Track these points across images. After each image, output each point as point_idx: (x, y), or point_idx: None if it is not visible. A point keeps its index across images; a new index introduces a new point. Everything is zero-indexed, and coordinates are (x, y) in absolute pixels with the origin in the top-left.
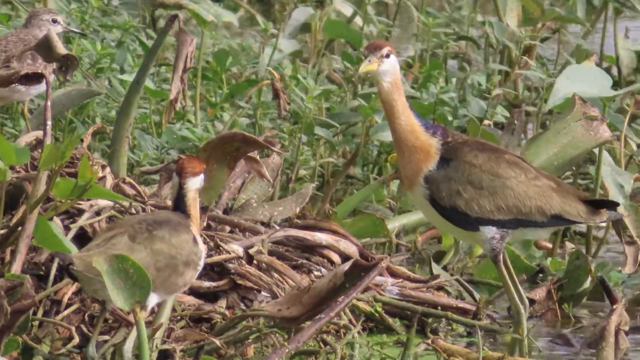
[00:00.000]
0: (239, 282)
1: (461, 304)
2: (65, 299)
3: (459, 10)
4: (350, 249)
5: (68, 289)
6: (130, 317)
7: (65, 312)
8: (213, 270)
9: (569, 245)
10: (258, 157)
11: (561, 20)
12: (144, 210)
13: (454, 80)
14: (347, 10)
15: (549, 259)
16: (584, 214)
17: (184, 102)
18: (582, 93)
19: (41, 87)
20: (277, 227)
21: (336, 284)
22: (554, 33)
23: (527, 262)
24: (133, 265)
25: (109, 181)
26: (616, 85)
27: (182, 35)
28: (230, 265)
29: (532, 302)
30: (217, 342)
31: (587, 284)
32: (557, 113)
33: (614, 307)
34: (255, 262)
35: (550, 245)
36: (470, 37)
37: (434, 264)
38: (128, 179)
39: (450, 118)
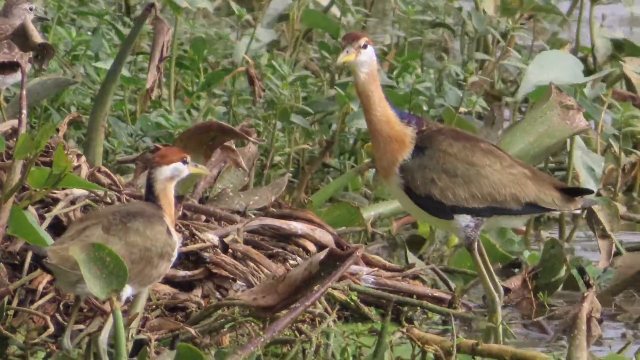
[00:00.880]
0: (215, 271)
1: (437, 293)
2: (40, 288)
3: None
4: (326, 238)
5: (43, 278)
6: (105, 306)
7: (40, 301)
8: (188, 259)
9: (544, 234)
10: (234, 147)
11: (539, 10)
12: (119, 199)
13: (431, 71)
14: (325, 0)
15: (527, 252)
16: (558, 201)
17: (160, 91)
18: (553, 80)
19: (18, 76)
20: (253, 216)
21: (311, 272)
22: (528, 19)
23: (503, 251)
24: (110, 254)
25: (84, 170)
26: (592, 73)
27: (159, 24)
28: (206, 254)
29: (507, 290)
30: (192, 331)
31: (562, 272)
32: (533, 102)
33: (585, 294)
34: (230, 251)
35: (524, 228)
36: (446, 24)
37: (409, 253)
38: (103, 168)
39: (425, 108)
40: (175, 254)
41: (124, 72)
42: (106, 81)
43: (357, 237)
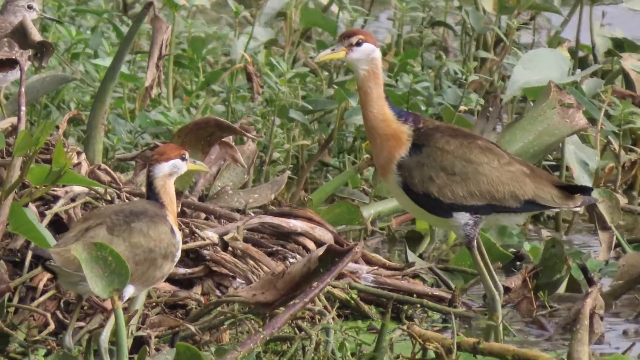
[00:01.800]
0: (214, 268)
1: (436, 292)
2: (41, 286)
3: None
4: (325, 236)
5: (43, 276)
6: (106, 304)
7: (41, 299)
8: (188, 257)
9: (545, 232)
10: (232, 143)
11: (537, 8)
12: (119, 197)
13: (430, 70)
14: None
15: (527, 244)
16: (557, 199)
17: (159, 89)
18: (540, 81)
19: (17, 74)
20: (252, 214)
21: (310, 269)
22: (531, 19)
23: (503, 250)
24: (111, 254)
25: (84, 167)
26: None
27: (157, 22)
28: (206, 252)
29: (507, 290)
30: (192, 328)
31: (563, 272)
32: (532, 101)
33: (589, 290)
34: (230, 248)
35: (521, 223)
36: (446, 23)
37: (409, 252)
38: (103, 166)
39: (423, 107)
40: (178, 254)
41: (123, 69)
42: (105, 79)
43: (357, 235)
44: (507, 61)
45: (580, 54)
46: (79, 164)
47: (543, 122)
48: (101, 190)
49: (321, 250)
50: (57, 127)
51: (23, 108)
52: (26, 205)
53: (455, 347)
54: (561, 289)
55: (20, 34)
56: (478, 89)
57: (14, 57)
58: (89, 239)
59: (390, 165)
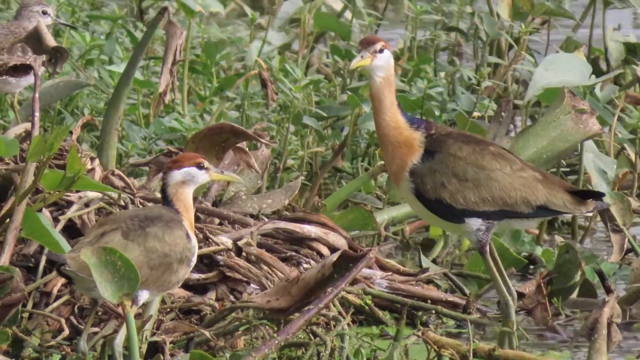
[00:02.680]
0: (228, 274)
1: (451, 298)
2: (55, 291)
3: (449, 2)
4: (339, 241)
5: (57, 281)
6: (120, 309)
7: (55, 304)
8: (202, 263)
9: (558, 239)
10: (246, 148)
11: (551, 14)
12: (132, 202)
13: (442, 74)
14: (338, 4)
15: (539, 248)
16: (570, 204)
17: (173, 95)
18: (561, 83)
19: (31, 79)
20: (266, 220)
21: (325, 274)
22: (542, 24)
23: (516, 255)
24: (121, 258)
25: (98, 173)
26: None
27: (172, 28)
28: (220, 258)
29: (521, 295)
30: (207, 333)
31: (577, 277)
32: (545, 106)
33: (607, 299)
34: (244, 254)
35: (536, 231)
36: (458, 28)
37: (423, 257)
38: (117, 171)
39: (437, 113)
40: (194, 259)
41: (137, 75)
42: (119, 84)
43: (371, 240)
44: (521, 66)
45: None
46: (92, 169)
47: (557, 127)
48: (115, 195)
49: (335, 256)
50: (71, 133)
51: (37, 114)
52: (40, 210)
53: (471, 354)
54: (574, 293)
55: (34, 40)
56: (491, 94)
57: (28, 63)
58: (104, 244)
59: (403, 172)
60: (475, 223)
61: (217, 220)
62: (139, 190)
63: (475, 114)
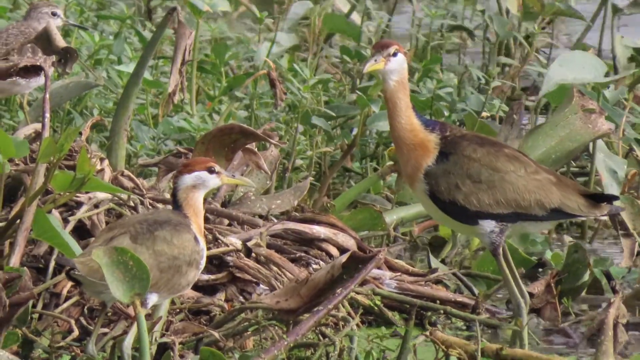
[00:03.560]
0: (238, 274)
1: (460, 298)
2: (65, 292)
3: (455, 2)
4: (348, 242)
5: (67, 282)
6: (130, 310)
7: (65, 305)
8: (212, 263)
9: (567, 239)
10: (256, 149)
11: (561, 14)
12: (142, 203)
13: (451, 74)
14: (345, 6)
15: (549, 252)
16: (584, 207)
17: (182, 95)
18: (575, 79)
19: (41, 80)
20: (275, 220)
21: (334, 275)
22: (548, 23)
23: (526, 255)
24: (132, 258)
25: (107, 174)
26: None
27: (181, 28)
28: (229, 258)
29: (530, 295)
30: (216, 334)
31: (586, 277)
32: (555, 107)
33: (612, 300)
34: (253, 255)
35: (546, 231)
36: (466, 28)
37: (432, 257)
38: (126, 172)
39: (446, 113)
40: (203, 262)
41: (146, 75)
42: (128, 84)
43: (380, 241)
44: (531, 67)
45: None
46: (102, 170)
47: (565, 127)
48: (124, 196)
49: (344, 257)
50: (80, 134)
51: (47, 115)
52: (50, 211)
53: (479, 353)
54: (583, 292)
55: (44, 40)
56: (500, 95)
57: (38, 64)
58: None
59: (418, 174)
60: (489, 225)
61: (226, 221)
62: (148, 191)
63: (484, 114)
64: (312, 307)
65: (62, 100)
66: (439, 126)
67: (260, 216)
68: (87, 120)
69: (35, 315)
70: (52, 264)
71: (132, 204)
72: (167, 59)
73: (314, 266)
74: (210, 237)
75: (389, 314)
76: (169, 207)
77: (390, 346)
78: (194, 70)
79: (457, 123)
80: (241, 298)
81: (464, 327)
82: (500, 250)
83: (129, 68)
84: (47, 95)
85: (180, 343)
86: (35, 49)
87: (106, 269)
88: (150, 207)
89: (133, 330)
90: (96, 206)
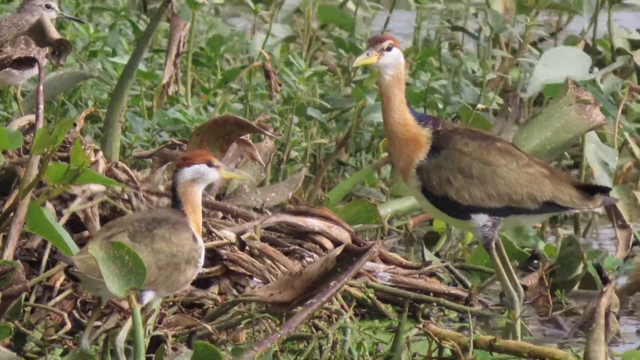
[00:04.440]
0: (231, 268)
1: (453, 290)
2: (58, 285)
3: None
4: (343, 235)
5: (60, 275)
6: (123, 304)
7: (58, 298)
8: (205, 257)
9: (562, 232)
10: (250, 141)
11: (556, 8)
12: (136, 195)
13: (445, 68)
14: None
15: (542, 243)
16: (577, 199)
17: (176, 87)
18: (561, 78)
19: (35, 71)
20: (270, 213)
21: (328, 268)
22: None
23: (519, 249)
24: (128, 253)
25: (102, 165)
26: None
27: (175, 20)
28: (223, 251)
29: (524, 288)
30: (209, 327)
31: (580, 270)
32: (549, 98)
33: (604, 289)
34: (247, 248)
35: (539, 225)
36: (463, 28)
37: (426, 250)
38: (121, 164)
39: (440, 106)
40: (201, 260)
41: (141, 67)
42: (122, 76)
43: (374, 234)
44: (525, 59)
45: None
46: (96, 162)
47: (560, 118)
48: (118, 188)
49: (339, 250)
50: (75, 125)
51: (41, 106)
52: (44, 204)
53: (472, 345)
54: (576, 285)
55: (37, 32)
56: (495, 88)
57: (31, 55)
58: None
59: (410, 169)
60: (481, 219)
61: (220, 214)
62: (143, 183)
63: (479, 106)
64: (305, 299)
65: (56, 91)
66: (431, 121)
67: (255, 209)
68: (81, 112)
69: (28, 308)
70: (45, 257)
71: (126, 196)
72: (162, 51)
73: (308, 259)
74: (204, 230)
75: (383, 306)
76: (165, 201)
77: (384, 339)
78: (190, 63)
79: (453, 116)
80: (234, 291)
81: (457, 319)
82: (493, 244)
83: (123, 60)
84: (41, 87)
85: (173, 336)
86: (29, 40)
87: (102, 263)
88: (144, 199)
89: (127, 325)
90: (90, 199)
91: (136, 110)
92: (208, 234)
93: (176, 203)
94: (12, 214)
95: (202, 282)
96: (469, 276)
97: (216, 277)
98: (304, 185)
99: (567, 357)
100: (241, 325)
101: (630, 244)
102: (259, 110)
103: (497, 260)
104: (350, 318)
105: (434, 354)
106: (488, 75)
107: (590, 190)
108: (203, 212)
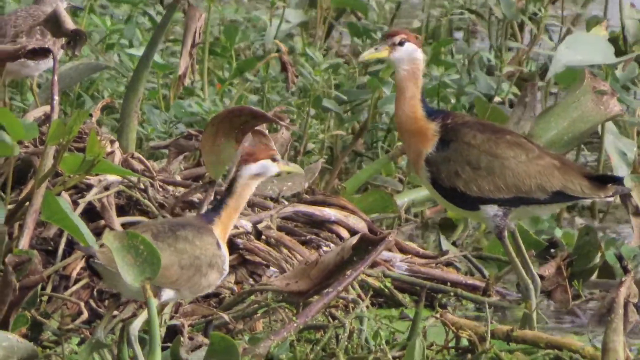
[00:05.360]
0: (248, 257)
1: (470, 280)
2: (74, 274)
3: None
4: (359, 224)
5: (77, 264)
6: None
7: (74, 288)
8: None
9: (578, 221)
10: (266, 132)
11: None
12: (152, 185)
13: (458, 56)
14: None
15: (559, 230)
16: (587, 189)
17: (192, 77)
18: (584, 61)
19: (50, 62)
20: (286, 203)
21: (344, 257)
22: (553, 2)
23: (536, 237)
24: (143, 242)
25: (118, 156)
26: (622, 55)
27: (191, 10)
28: (239, 241)
29: (541, 278)
30: (226, 317)
31: (597, 260)
32: (565, 87)
33: (623, 279)
34: (264, 237)
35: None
36: (475, 11)
37: (443, 240)
38: (137, 154)
39: (452, 101)
40: (226, 267)
41: (157, 58)
42: (138, 67)
43: (391, 223)
44: (540, 50)
45: None
46: (112, 152)
47: (577, 109)
48: (134, 179)
49: (355, 239)
50: (91, 116)
51: (56, 97)
52: (59, 194)
53: (489, 335)
54: (594, 275)
55: (53, 23)
56: (510, 78)
57: (46, 46)
58: None
59: (419, 161)
60: (491, 209)
61: None
62: (159, 173)
63: (496, 98)
64: (321, 289)
65: (72, 82)
66: (441, 115)
67: (271, 198)
68: (98, 103)
69: (45, 298)
70: (61, 247)
71: (142, 186)
72: (178, 41)
73: (324, 248)
74: None
75: (399, 296)
76: (181, 190)
77: (400, 328)
78: (206, 54)
79: (468, 107)
80: (251, 280)
81: (474, 310)
82: (506, 233)
83: (140, 52)
84: (56, 78)
85: (189, 325)
86: (44, 31)
87: (117, 253)
88: (160, 189)
89: (143, 314)
90: (106, 189)
91: (154, 103)
92: None
93: (228, 196)
94: (27, 203)
95: None
96: (486, 265)
97: (232, 266)
98: (320, 176)
99: (585, 348)
100: (257, 315)
101: None
102: (276, 102)
103: (510, 249)
104: (367, 307)
105: (451, 344)
106: (504, 68)
107: (602, 180)
108: None
